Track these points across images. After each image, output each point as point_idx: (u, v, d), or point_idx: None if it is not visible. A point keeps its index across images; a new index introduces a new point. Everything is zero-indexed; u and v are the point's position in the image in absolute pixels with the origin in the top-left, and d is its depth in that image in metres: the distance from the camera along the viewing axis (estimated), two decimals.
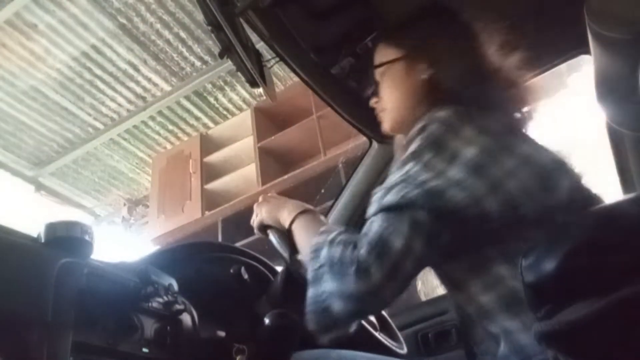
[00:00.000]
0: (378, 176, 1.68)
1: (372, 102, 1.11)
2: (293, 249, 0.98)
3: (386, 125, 1.08)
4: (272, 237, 1.01)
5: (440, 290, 2.24)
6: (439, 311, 1.66)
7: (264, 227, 1.05)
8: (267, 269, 1.11)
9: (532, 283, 0.64)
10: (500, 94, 0.95)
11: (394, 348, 1.15)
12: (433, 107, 0.90)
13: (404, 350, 1.20)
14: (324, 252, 0.83)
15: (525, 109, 0.99)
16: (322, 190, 2.77)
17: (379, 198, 0.83)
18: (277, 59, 1.30)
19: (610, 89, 1.09)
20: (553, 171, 0.85)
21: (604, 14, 1.01)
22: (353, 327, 0.87)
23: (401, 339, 1.25)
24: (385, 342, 1.13)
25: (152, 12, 3.04)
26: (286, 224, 0.99)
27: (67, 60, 3.25)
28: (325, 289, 0.80)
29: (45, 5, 2.89)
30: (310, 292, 0.82)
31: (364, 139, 1.76)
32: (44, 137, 3.78)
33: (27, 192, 4.07)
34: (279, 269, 1.07)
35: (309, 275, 0.84)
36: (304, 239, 0.94)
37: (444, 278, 0.92)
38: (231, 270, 0.99)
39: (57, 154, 3.93)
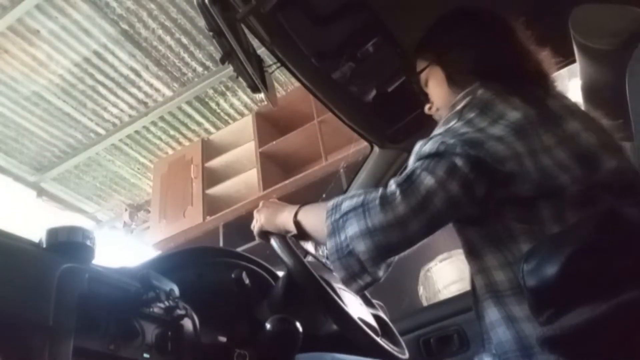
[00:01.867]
0: (379, 181, 1.68)
1: (426, 109, 1.13)
2: (300, 237, 0.99)
3: None
4: (274, 242, 1.01)
5: (442, 295, 2.24)
6: (441, 316, 1.66)
7: (264, 233, 1.05)
8: (269, 274, 1.11)
9: (534, 288, 0.64)
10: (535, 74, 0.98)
11: (395, 353, 1.15)
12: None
13: (406, 356, 1.20)
14: (345, 204, 0.83)
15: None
16: (324, 195, 2.76)
17: (418, 149, 0.84)
18: (279, 64, 1.30)
19: (597, 98, 1.11)
20: (598, 152, 0.84)
21: (589, 25, 1.04)
22: (381, 274, 0.84)
23: (403, 344, 1.24)
24: (387, 347, 1.13)
25: (154, 18, 3.05)
26: (290, 221, 0.99)
27: (69, 66, 3.26)
28: (347, 234, 0.79)
29: (47, 12, 2.91)
30: (330, 244, 0.82)
31: (365, 143, 1.76)
32: (46, 143, 3.79)
33: (29, 198, 4.07)
34: (280, 274, 1.07)
35: (326, 228, 0.84)
36: (314, 216, 0.94)
37: (464, 242, 0.91)
38: (232, 275, 0.99)
39: (59, 159, 3.94)
